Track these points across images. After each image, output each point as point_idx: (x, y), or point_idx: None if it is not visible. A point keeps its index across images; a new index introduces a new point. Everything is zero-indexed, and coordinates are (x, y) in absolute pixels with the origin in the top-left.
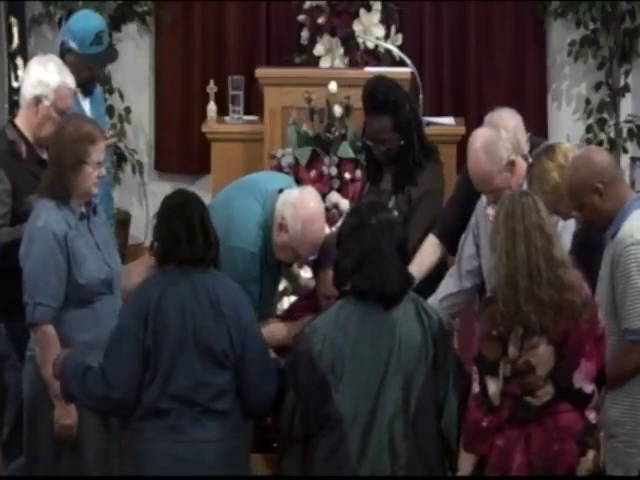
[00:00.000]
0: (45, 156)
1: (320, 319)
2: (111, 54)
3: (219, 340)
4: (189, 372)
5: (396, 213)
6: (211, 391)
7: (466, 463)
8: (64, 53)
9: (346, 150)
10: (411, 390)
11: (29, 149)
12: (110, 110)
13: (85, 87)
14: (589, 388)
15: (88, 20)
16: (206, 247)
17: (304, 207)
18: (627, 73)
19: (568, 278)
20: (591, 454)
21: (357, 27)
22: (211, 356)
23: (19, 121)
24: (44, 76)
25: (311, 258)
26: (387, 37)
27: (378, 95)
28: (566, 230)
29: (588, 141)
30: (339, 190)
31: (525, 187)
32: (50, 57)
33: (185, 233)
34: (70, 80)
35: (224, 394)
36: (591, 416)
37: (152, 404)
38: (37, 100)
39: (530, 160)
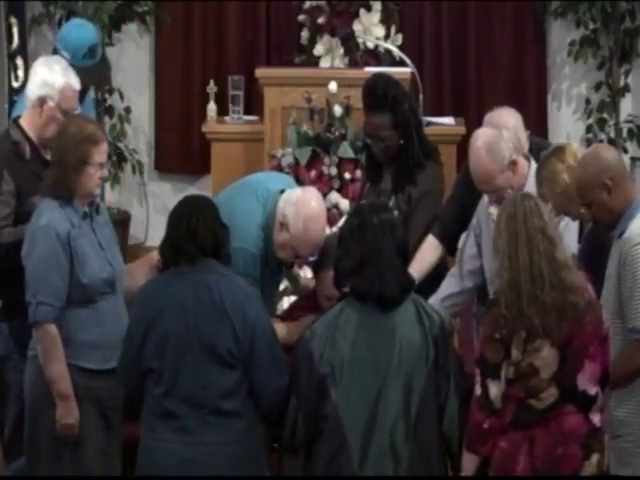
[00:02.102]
0: (49, 157)
1: (320, 322)
2: (103, 67)
3: (223, 340)
4: (194, 374)
5: (396, 213)
6: (218, 391)
7: (469, 463)
8: None
9: (346, 150)
10: (412, 393)
11: (33, 150)
12: (110, 110)
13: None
14: (593, 390)
15: (82, 32)
16: (197, 243)
17: (306, 206)
18: (627, 73)
19: (571, 280)
20: (595, 458)
21: (357, 27)
22: (216, 356)
23: (23, 121)
24: (49, 77)
25: (311, 259)
26: (387, 37)
27: (378, 91)
28: (568, 231)
29: (588, 141)
30: (339, 190)
31: (527, 187)
32: (55, 58)
33: (183, 235)
34: (75, 81)
35: (232, 394)
36: (596, 419)
37: (162, 406)
38: (42, 101)
39: (531, 160)
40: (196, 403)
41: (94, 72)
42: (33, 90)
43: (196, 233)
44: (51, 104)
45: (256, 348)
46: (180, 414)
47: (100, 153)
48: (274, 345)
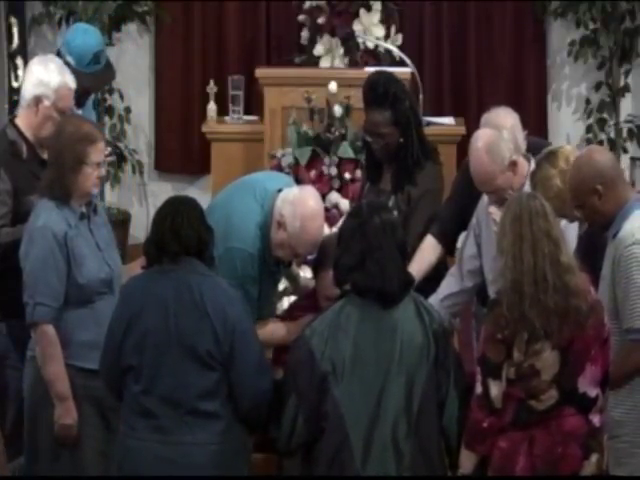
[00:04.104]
0: (46, 156)
1: (319, 320)
2: (108, 74)
3: (203, 340)
4: (172, 373)
5: (396, 213)
6: (196, 392)
7: (467, 461)
8: None
9: (346, 150)
10: (414, 389)
11: (30, 149)
12: (110, 110)
13: (78, 100)
14: (593, 392)
15: (87, 38)
16: (180, 242)
17: (303, 205)
18: (627, 73)
19: (574, 284)
20: (594, 458)
21: (357, 27)
22: (195, 357)
23: (20, 121)
24: (45, 76)
25: (309, 257)
26: (387, 37)
27: (379, 87)
28: (568, 231)
29: (588, 141)
30: (339, 190)
31: (527, 187)
32: (51, 57)
33: (167, 234)
34: (71, 80)
35: (211, 395)
36: (595, 419)
37: (140, 404)
38: (37, 100)
39: (531, 159)
40: (174, 403)
41: (99, 77)
42: (29, 89)
43: (180, 232)
44: (47, 103)
45: (236, 350)
46: (158, 413)
47: (97, 152)
48: (255, 347)
